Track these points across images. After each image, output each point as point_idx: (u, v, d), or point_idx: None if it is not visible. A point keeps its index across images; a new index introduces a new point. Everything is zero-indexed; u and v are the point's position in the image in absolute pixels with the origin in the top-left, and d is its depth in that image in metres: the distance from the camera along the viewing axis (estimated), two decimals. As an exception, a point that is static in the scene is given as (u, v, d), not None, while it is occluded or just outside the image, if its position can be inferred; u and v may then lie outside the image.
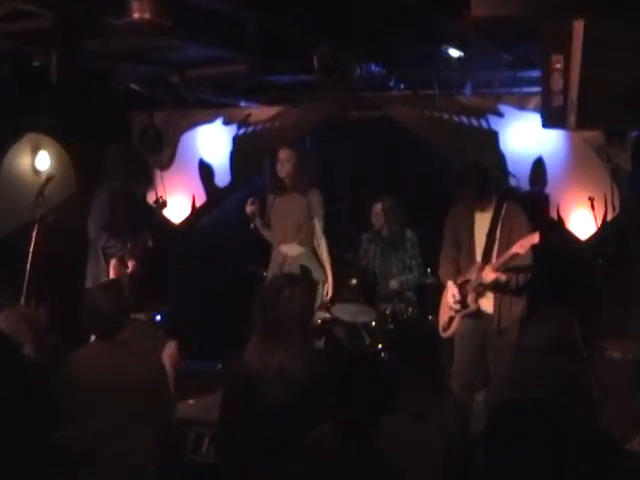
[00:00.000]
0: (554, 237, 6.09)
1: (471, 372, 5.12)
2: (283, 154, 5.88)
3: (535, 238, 4.85)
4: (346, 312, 6.15)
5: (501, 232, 5.06)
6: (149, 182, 6.24)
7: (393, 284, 6.44)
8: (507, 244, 5.01)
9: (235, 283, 7.01)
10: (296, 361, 3.20)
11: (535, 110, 5.95)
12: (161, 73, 6.50)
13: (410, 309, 6.32)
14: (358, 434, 2.64)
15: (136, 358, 3.64)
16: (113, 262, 5.69)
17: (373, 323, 6.17)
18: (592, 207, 5.90)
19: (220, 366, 6.49)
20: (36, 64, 5.48)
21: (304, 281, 3.60)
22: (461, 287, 5.15)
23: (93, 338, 3.88)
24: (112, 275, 5.66)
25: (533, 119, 5.94)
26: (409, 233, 6.58)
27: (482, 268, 5.04)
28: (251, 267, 6.33)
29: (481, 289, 5.07)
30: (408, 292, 6.53)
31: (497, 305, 5.07)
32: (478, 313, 5.12)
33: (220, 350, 5.83)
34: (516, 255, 4.90)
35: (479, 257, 5.10)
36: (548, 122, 4.35)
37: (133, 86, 6.55)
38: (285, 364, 3.28)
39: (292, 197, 5.88)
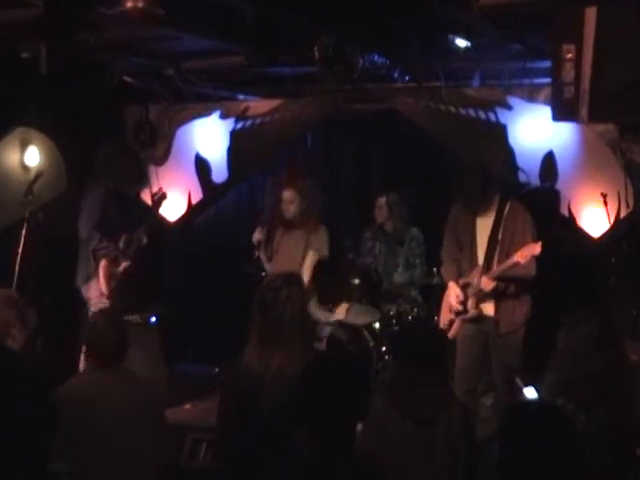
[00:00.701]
0: (565, 236, 6.11)
1: (474, 377, 5.16)
2: (287, 196, 5.88)
3: (536, 249, 4.89)
4: (349, 313, 6.15)
5: (503, 234, 5.10)
6: (143, 182, 6.22)
7: (397, 278, 6.44)
8: (509, 246, 5.05)
9: (232, 283, 7.02)
10: (297, 363, 3.19)
11: (545, 102, 5.95)
12: (155, 65, 6.50)
13: (416, 310, 6.33)
14: (333, 440, 2.64)
15: (135, 389, 3.66)
16: (102, 263, 5.70)
17: (377, 324, 6.18)
18: (605, 203, 5.90)
19: (217, 369, 6.51)
20: (25, 55, 5.46)
21: (302, 282, 3.60)
22: (462, 289, 5.19)
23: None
24: (101, 277, 5.66)
25: (543, 112, 5.93)
26: (415, 231, 6.59)
27: (482, 273, 5.08)
28: (249, 267, 6.32)
29: (481, 295, 5.12)
30: (413, 292, 6.54)
31: (498, 310, 5.12)
32: (479, 318, 5.16)
33: (217, 353, 5.86)
34: (517, 264, 4.94)
35: (481, 259, 5.14)
36: (559, 115, 4.35)
37: (126, 79, 6.55)
38: (285, 366, 3.28)
39: (298, 235, 5.90)
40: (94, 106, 6.60)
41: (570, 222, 6.23)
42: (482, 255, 5.14)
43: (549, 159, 6.29)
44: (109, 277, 5.68)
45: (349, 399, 2.68)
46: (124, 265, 5.76)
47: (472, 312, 5.14)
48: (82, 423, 3.48)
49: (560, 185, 6.29)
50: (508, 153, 6.34)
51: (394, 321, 6.23)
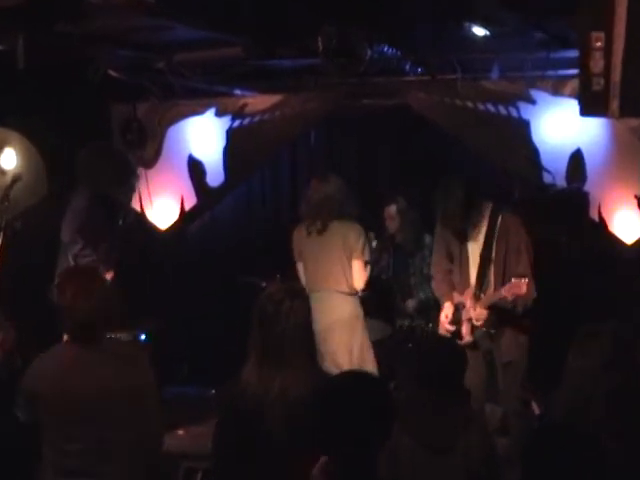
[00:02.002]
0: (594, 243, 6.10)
1: (478, 402, 5.14)
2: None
3: (522, 288, 4.90)
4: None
5: (497, 251, 5.15)
6: (129, 186, 6.22)
7: (410, 305, 6.42)
8: (503, 266, 5.11)
9: (230, 296, 7.01)
10: (301, 384, 3.19)
11: (572, 96, 5.93)
12: (144, 58, 6.48)
13: (431, 325, 6.30)
14: (354, 468, 2.62)
15: (118, 366, 3.60)
16: None
17: (388, 340, 6.17)
18: (639, 206, 5.87)
19: (213, 391, 6.49)
20: (0, 48, 5.47)
21: (305, 293, 3.59)
22: (457, 310, 5.23)
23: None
24: None
25: (570, 106, 5.91)
26: (428, 238, 6.57)
27: (475, 298, 5.13)
28: (248, 278, 6.32)
29: (474, 323, 5.16)
30: (429, 305, 6.51)
31: (498, 337, 5.18)
32: (476, 344, 5.21)
33: (213, 373, 5.84)
34: (504, 298, 4.99)
35: (473, 276, 5.19)
36: (587, 109, 4.33)
37: (112, 73, 6.54)
38: (288, 388, 3.27)
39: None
40: (77, 104, 6.60)
41: (600, 227, 6.20)
42: (474, 271, 5.20)
43: (577, 158, 6.27)
44: None
45: (369, 424, 2.68)
46: (110, 276, 5.75)
47: (467, 339, 5.21)
48: (47, 402, 3.50)
49: (589, 186, 6.26)
50: (531, 152, 6.32)
51: (407, 337, 6.21)
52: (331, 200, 5.67)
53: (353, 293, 5.67)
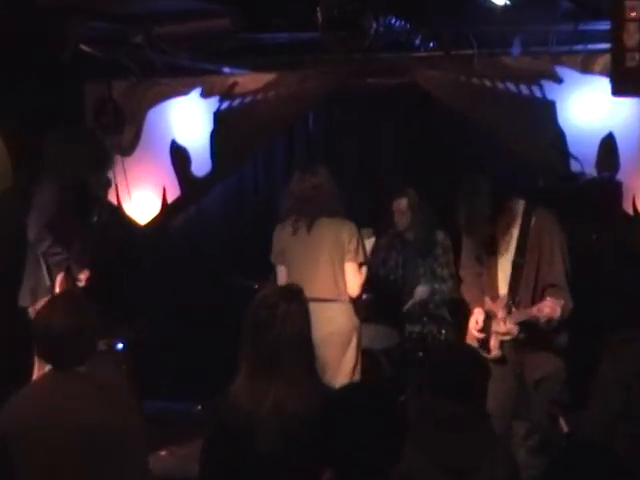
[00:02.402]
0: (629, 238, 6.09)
1: (505, 423, 5.17)
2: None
3: (556, 311, 4.85)
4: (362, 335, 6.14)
5: (529, 256, 5.13)
6: (103, 174, 6.22)
7: (421, 291, 6.42)
8: (535, 273, 5.11)
9: (219, 300, 7.01)
10: (297, 398, 3.18)
11: (603, 73, 5.93)
12: (121, 31, 6.48)
13: (444, 331, 6.32)
14: None
15: (101, 398, 3.56)
16: (60, 277, 5.69)
17: (396, 349, 6.17)
18: (677, 197, 5.88)
19: (200, 407, 6.49)
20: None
21: (303, 296, 3.59)
22: (485, 320, 5.23)
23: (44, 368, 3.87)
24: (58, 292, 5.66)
25: (601, 85, 5.92)
26: (441, 235, 6.58)
27: (508, 310, 5.13)
28: (238, 279, 6.31)
29: (506, 338, 5.17)
30: (441, 309, 6.52)
31: (528, 354, 5.18)
32: (505, 359, 5.21)
33: (200, 386, 5.84)
34: (534, 318, 4.98)
35: (502, 285, 5.21)
36: (620, 88, 4.33)
37: (85, 48, 6.53)
38: (283, 403, 3.26)
39: None
40: (45, 83, 6.60)
41: (635, 220, 6.20)
42: (503, 279, 5.20)
43: (608, 143, 6.26)
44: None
45: (380, 440, 2.69)
46: (83, 279, 5.75)
47: (495, 353, 5.21)
48: (22, 440, 3.45)
49: (622, 175, 6.25)
50: (557, 136, 6.32)
51: (418, 345, 6.22)
52: (320, 194, 5.58)
53: (345, 300, 5.58)
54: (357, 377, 5.56)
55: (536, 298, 5.08)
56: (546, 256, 5.11)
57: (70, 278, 5.75)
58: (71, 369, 3.58)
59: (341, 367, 5.46)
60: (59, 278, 5.72)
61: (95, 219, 6.05)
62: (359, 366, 5.59)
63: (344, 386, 3.15)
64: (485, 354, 5.13)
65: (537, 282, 5.12)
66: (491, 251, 5.24)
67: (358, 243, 5.55)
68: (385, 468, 2.75)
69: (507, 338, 5.14)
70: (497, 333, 5.19)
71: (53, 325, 3.55)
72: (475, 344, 5.26)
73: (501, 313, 5.15)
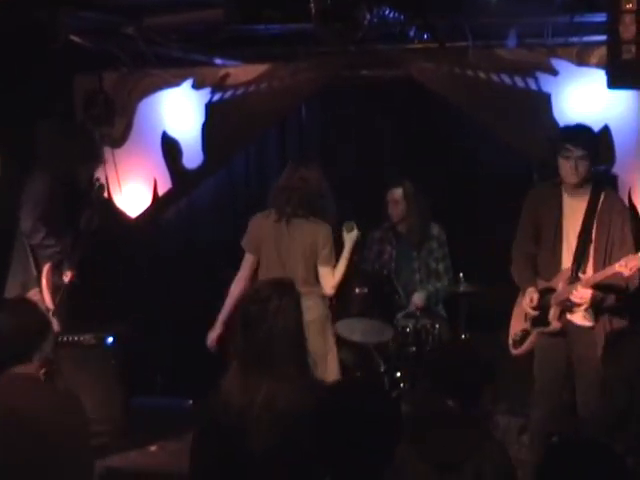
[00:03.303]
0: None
1: (556, 396, 5.21)
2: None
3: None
4: (354, 330, 6.13)
5: (598, 230, 5.12)
6: (95, 159, 6.20)
7: (418, 299, 6.40)
8: (606, 246, 5.09)
9: (210, 294, 6.99)
10: (289, 394, 3.17)
11: (599, 66, 5.94)
12: (112, 22, 6.47)
13: (437, 326, 6.31)
14: None
15: (43, 400, 3.52)
16: (47, 268, 5.67)
17: (390, 344, 6.16)
18: (674, 191, 5.89)
19: (191, 402, 6.48)
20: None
21: (295, 290, 3.58)
22: (542, 296, 5.21)
23: None
24: (44, 286, 5.63)
25: (596, 77, 5.91)
26: (436, 229, 6.56)
27: (572, 280, 5.10)
28: (230, 273, 6.29)
29: (569, 305, 5.14)
30: (437, 304, 6.52)
31: (598, 319, 5.14)
32: (563, 331, 5.19)
33: (191, 382, 5.83)
34: (617, 274, 4.94)
35: (566, 260, 5.18)
36: (616, 81, 4.33)
37: (75, 39, 6.51)
38: (275, 398, 3.25)
39: None
40: (35, 74, 6.57)
41: (632, 214, 6.20)
42: (568, 254, 5.18)
43: (604, 136, 6.25)
44: (53, 287, 5.65)
45: (372, 443, 2.69)
46: (70, 276, 5.74)
47: (554, 324, 5.18)
48: None
49: (618, 169, 6.26)
50: (553, 129, 6.31)
51: (411, 340, 6.21)
52: (305, 186, 5.49)
53: (319, 294, 5.50)
54: (335, 366, 5.56)
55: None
56: (618, 230, 5.10)
57: (57, 272, 5.73)
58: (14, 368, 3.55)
59: (320, 356, 5.44)
60: (45, 269, 5.71)
61: (85, 224, 6.02)
62: (336, 356, 5.61)
63: (337, 383, 3.14)
64: (542, 329, 5.18)
65: (606, 258, 5.08)
66: (557, 227, 5.21)
67: (332, 247, 5.48)
68: (379, 466, 2.75)
69: (582, 302, 5.05)
70: (560, 303, 5.14)
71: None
72: (522, 328, 5.28)
73: (562, 285, 5.12)
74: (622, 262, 4.90)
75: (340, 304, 6.09)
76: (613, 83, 4.46)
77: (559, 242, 5.21)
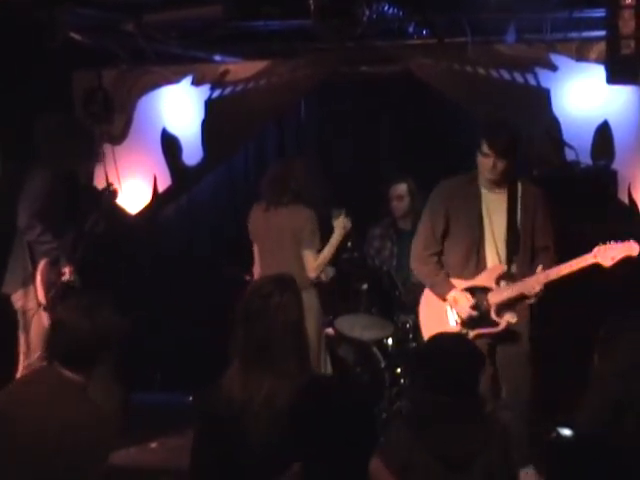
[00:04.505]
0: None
1: (524, 405, 5.10)
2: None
3: (635, 249, 4.79)
4: (354, 326, 6.14)
5: (523, 223, 5.02)
6: (94, 157, 6.20)
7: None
8: (532, 241, 5.03)
9: (210, 290, 7.00)
10: (290, 390, 3.17)
11: (598, 61, 5.93)
12: (111, 19, 6.46)
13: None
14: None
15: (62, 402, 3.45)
16: (42, 264, 5.67)
17: (390, 340, 6.16)
18: (673, 186, 5.90)
19: (191, 398, 6.48)
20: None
21: (296, 285, 3.58)
22: (472, 295, 5.07)
23: None
24: (38, 281, 5.64)
25: (596, 73, 5.92)
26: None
27: (505, 278, 5.00)
28: (230, 270, 6.30)
29: (509, 303, 5.02)
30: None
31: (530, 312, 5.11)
32: (509, 334, 5.06)
33: (191, 378, 5.83)
34: (596, 265, 4.85)
35: (490, 257, 5.04)
36: (615, 76, 4.33)
37: (74, 36, 6.51)
38: (276, 395, 3.25)
39: None
40: (34, 72, 6.57)
41: (630, 210, 6.20)
42: (491, 251, 5.04)
43: (604, 132, 6.27)
44: (47, 283, 5.65)
45: (351, 439, 2.68)
46: (67, 272, 5.74)
47: (502, 324, 5.01)
48: None
49: (618, 164, 6.27)
50: (552, 124, 6.33)
51: (411, 336, 6.21)
52: (289, 175, 5.66)
53: (307, 284, 5.52)
54: (324, 359, 5.63)
55: (530, 262, 5.03)
56: (540, 222, 5.04)
57: (54, 269, 5.73)
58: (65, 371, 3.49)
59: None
60: (40, 265, 5.71)
61: (91, 227, 6.03)
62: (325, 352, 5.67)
63: (312, 380, 3.13)
64: (489, 329, 5.03)
65: (533, 246, 5.04)
66: (473, 226, 5.05)
67: (312, 230, 5.60)
68: (358, 462, 2.75)
69: (533, 294, 4.95)
70: (499, 302, 5.01)
71: (75, 325, 3.49)
72: (453, 330, 5.10)
73: (495, 282, 5.00)
74: (601, 249, 4.82)
75: (340, 300, 6.10)
76: (612, 78, 4.46)
77: (480, 238, 5.04)
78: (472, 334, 5.01)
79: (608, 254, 4.83)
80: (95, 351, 3.51)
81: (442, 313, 5.14)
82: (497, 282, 5.03)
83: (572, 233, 5.73)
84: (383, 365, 6.09)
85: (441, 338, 3.80)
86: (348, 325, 6.12)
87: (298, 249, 5.58)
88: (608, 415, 3.32)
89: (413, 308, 6.35)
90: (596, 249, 4.85)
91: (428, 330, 5.12)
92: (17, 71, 6.44)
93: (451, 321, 5.13)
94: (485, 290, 5.04)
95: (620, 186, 6.24)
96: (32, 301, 5.69)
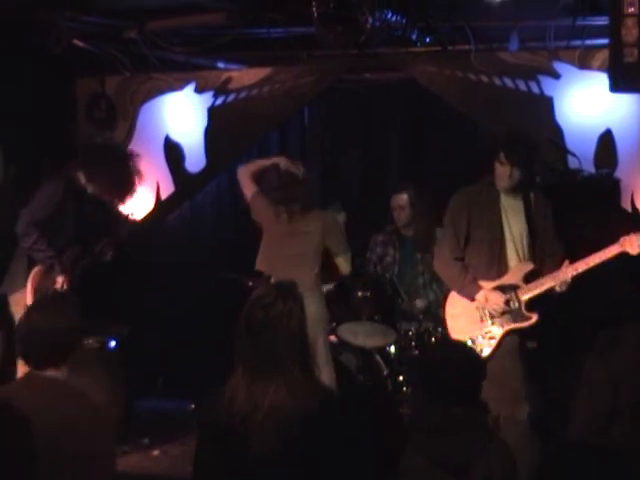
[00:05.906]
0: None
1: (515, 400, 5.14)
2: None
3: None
4: (357, 334, 6.13)
5: (534, 227, 5.23)
6: (129, 193, 6.18)
7: (419, 304, 6.40)
8: (543, 244, 5.24)
9: (213, 297, 6.99)
10: (295, 400, 3.16)
11: (601, 69, 5.93)
12: (114, 26, 6.47)
13: (440, 329, 6.29)
14: None
15: (65, 405, 3.47)
16: (35, 270, 5.69)
17: (392, 348, 6.15)
18: (677, 195, 5.89)
19: (194, 406, 6.47)
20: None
21: (299, 293, 3.57)
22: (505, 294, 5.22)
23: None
24: (29, 287, 5.65)
25: (599, 80, 5.92)
26: (440, 233, 6.54)
27: (524, 270, 5.16)
28: (233, 276, 6.29)
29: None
30: (438, 308, 6.50)
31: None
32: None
33: (193, 385, 5.81)
34: (624, 253, 5.00)
35: (512, 258, 5.23)
36: (618, 84, 4.33)
37: (77, 43, 6.52)
38: (280, 404, 3.23)
39: None
40: (37, 79, 6.57)
41: (634, 219, 6.19)
42: (513, 252, 5.22)
43: (606, 139, 6.27)
44: (38, 290, 5.66)
45: (372, 449, 2.67)
46: (60, 282, 5.74)
47: (535, 317, 5.18)
48: None
49: (620, 172, 6.26)
50: (555, 132, 6.32)
51: (414, 343, 6.21)
52: (291, 183, 5.82)
53: (316, 291, 5.66)
54: (330, 367, 5.62)
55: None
56: (550, 228, 5.27)
57: (49, 277, 5.74)
58: (46, 372, 3.51)
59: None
60: (33, 272, 5.72)
61: (99, 252, 6.06)
62: (331, 364, 5.67)
63: (343, 389, 3.13)
64: (523, 323, 5.19)
65: (543, 254, 5.25)
66: (495, 230, 5.23)
67: (343, 234, 5.82)
68: (385, 471, 2.74)
69: (567, 279, 5.13)
70: (529, 296, 5.18)
71: (36, 324, 3.51)
72: (484, 328, 5.24)
73: (523, 279, 5.18)
74: (626, 240, 4.97)
75: (343, 308, 6.09)
76: (615, 86, 4.46)
77: (502, 240, 5.23)
78: (505, 329, 5.21)
79: (635, 243, 4.96)
80: (65, 347, 3.54)
81: (471, 313, 5.28)
82: (524, 280, 5.18)
83: (574, 241, 5.73)
84: (386, 373, 6.07)
85: (443, 346, 3.81)
86: (351, 332, 6.11)
87: (310, 250, 5.68)
88: (599, 421, 3.33)
89: (416, 315, 6.37)
90: (622, 239, 5.00)
91: (457, 332, 5.35)
92: (21, 78, 6.44)
93: (482, 319, 5.26)
94: (514, 287, 5.20)
95: (623, 194, 6.24)
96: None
